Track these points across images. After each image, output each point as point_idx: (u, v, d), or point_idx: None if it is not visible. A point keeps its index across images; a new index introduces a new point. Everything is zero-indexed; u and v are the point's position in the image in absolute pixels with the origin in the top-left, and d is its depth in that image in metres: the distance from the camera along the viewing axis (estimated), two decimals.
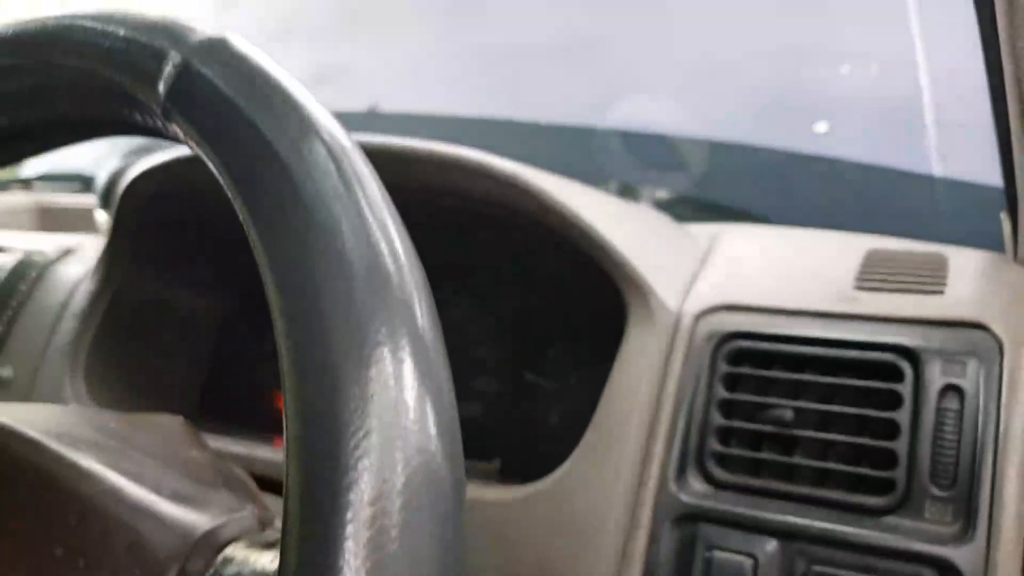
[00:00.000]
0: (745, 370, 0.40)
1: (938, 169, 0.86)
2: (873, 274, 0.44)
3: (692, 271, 0.48)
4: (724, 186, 0.88)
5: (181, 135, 0.25)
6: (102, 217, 0.67)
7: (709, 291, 0.44)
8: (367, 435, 0.17)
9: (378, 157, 0.48)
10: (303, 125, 0.21)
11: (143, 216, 0.58)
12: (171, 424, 0.38)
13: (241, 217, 0.21)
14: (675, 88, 1.00)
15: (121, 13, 0.26)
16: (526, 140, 0.93)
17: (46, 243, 0.65)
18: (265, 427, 0.63)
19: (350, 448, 0.17)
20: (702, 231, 0.59)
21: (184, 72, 0.24)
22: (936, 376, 0.38)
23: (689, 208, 0.84)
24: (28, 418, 0.29)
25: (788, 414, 0.39)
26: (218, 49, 0.24)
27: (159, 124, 0.25)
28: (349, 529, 0.16)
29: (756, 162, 0.89)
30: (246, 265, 0.66)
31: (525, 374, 0.57)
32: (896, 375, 0.38)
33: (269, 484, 0.41)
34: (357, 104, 1.08)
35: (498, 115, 0.94)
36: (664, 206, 0.81)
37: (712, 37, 1.01)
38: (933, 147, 0.89)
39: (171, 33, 0.25)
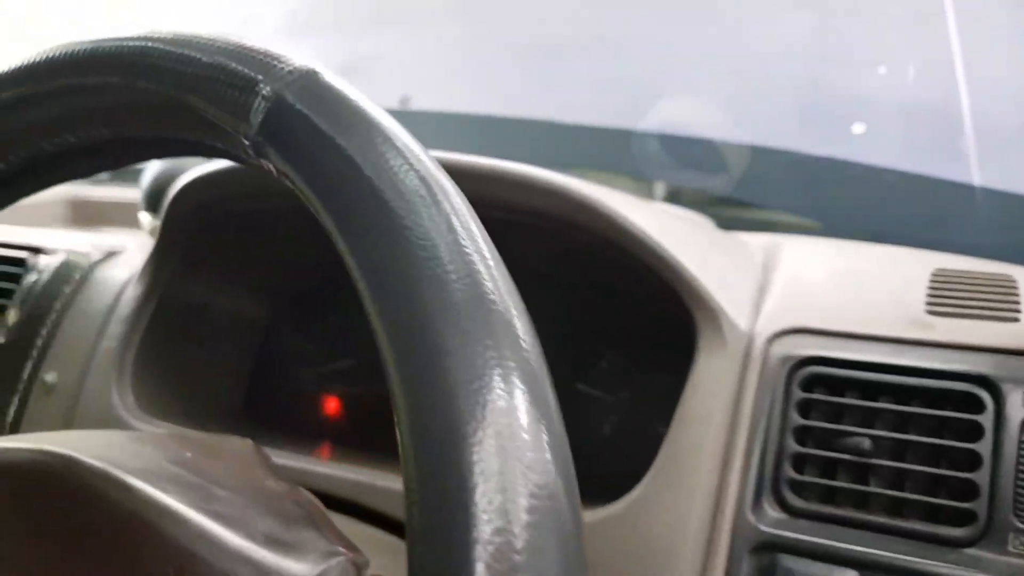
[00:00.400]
0: (818, 396, 0.39)
1: (978, 178, 0.85)
2: (944, 297, 0.43)
3: (756, 287, 0.47)
4: (761, 190, 0.86)
5: (272, 169, 0.24)
6: (146, 219, 0.67)
7: (779, 312, 0.43)
8: (488, 478, 0.16)
9: (451, 174, 0.47)
10: (401, 162, 0.21)
11: (192, 223, 0.57)
12: (243, 450, 0.37)
13: (341, 251, 0.20)
14: (709, 88, 0.98)
15: (205, 38, 0.25)
16: (560, 140, 0.92)
17: (87, 243, 0.64)
18: (309, 432, 0.63)
19: (474, 492, 0.16)
20: (754, 241, 0.58)
21: (276, 107, 0.23)
22: (1017, 407, 0.37)
23: (726, 210, 0.82)
24: (97, 450, 0.29)
25: (866, 443, 0.38)
26: (310, 82, 0.24)
27: (245, 154, 0.25)
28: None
29: (793, 166, 0.87)
30: (291, 269, 0.66)
31: (578, 385, 0.57)
32: (976, 405, 0.38)
33: (321, 499, 0.40)
34: (386, 97, 1.07)
35: (530, 115, 0.93)
36: (701, 207, 0.80)
37: (747, 37, 0.99)
38: (973, 154, 0.87)
39: (260, 64, 0.24)
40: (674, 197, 0.87)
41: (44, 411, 0.57)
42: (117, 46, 0.27)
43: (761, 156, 0.86)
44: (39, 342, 0.59)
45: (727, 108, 0.97)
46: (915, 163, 0.90)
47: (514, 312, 0.18)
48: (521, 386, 0.17)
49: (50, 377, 0.58)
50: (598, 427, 0.56)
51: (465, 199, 0.21)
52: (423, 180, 0.20)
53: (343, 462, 0.56)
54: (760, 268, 0.50)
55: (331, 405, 0.65)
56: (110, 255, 0.63)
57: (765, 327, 0.42)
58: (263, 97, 0.24)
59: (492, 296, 0.18)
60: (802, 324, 0.42)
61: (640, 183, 0.91)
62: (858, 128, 0.95)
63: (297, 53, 0.26)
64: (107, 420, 0.55)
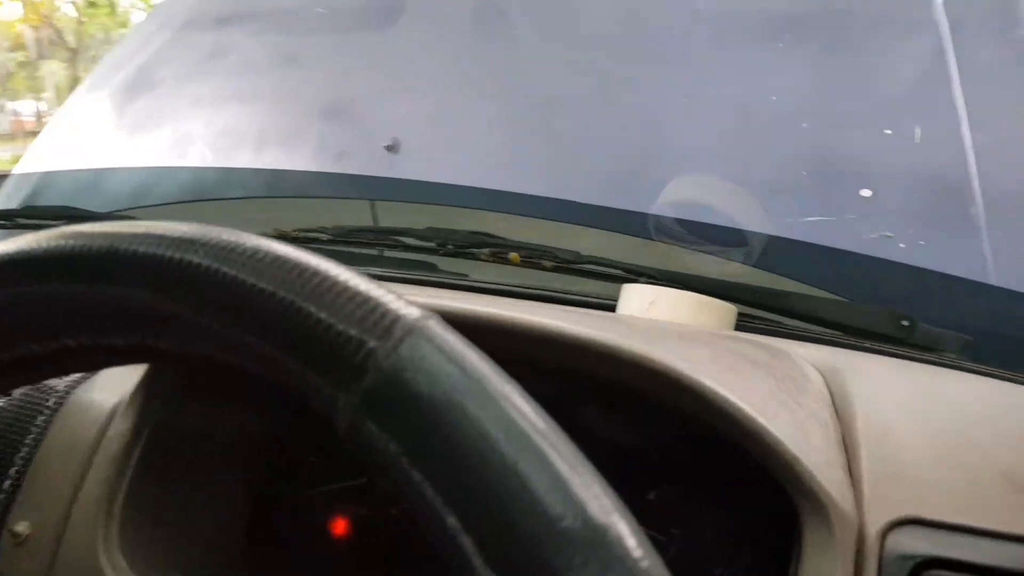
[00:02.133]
0: None
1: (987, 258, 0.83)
2: None
3: (838, 446, 0.42)
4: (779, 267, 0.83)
5: (360, 437, 0.20)
6: None
7: (883, 494, 0.39)
8: None
9: (530, 339, 0.42)
10: (509, 427, 0.19)
11: None
12: None
13: (432, 505, 0.19)
14: (712, 157, 0.95)
15: (298, 267, 0.20)
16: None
17: None
18: (320, 560, 0.57)
19: None
20: (799, 353, 0.54)
21: (385, 383, 0.19)
22: None
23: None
24: None
25: None
26: (417, 343, 0.19)
27: (331, 415, 0.20)
28: None
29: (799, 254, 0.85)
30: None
31: None
32: None
33: None
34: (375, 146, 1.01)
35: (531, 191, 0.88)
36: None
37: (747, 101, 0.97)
38: (983, 221, 0.85)
39: (368, 326, 0.20)
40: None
41: (15, 568, 0.50)
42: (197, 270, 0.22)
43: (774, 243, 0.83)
44: (6, 485, 0.51)
45: (731, 176, 0.94)
46: (924, 229, 0.88)
47: (621, 528, 0.19)
48: None
49: (21, 527, 0.50)
50: None
51: (563, 437, 0.20)
52: (526, 433, 0.19)
53: None
54: (830, 412, 0.46)
55: (342, 528, 0.59)
56: (89, 373, 0.56)
57: (874, 516, 0.38)
58: (368, 369, 0.19)
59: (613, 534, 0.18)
60: (915, 514, 0.37)
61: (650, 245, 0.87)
62: (864, 193, 0.93)
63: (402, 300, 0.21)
64: None
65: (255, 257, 0.21)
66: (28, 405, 0.53)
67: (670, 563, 0.52)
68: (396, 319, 0.20)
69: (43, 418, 0.53)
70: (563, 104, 0.92)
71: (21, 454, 0.52)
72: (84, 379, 0.55)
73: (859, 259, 0.87)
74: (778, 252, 0.84)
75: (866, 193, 0.96)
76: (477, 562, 0.18)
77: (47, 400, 0.54)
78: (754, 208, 0.90)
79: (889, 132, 1.02)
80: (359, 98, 1.04)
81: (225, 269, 0.21)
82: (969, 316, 0.80)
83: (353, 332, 0.19)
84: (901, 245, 0.89)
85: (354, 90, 1.05)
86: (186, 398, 0.53)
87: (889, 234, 0.88)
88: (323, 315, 0.20)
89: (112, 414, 0.52)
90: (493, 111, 0.94)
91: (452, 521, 0.18)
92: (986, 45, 1.02)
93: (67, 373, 0.32)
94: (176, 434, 0.53)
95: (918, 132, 0.98)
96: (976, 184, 0.89)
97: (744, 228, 0.85)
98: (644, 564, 0.18)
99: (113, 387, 0.54)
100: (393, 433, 0.19)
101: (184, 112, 1.25)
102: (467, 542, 0.18)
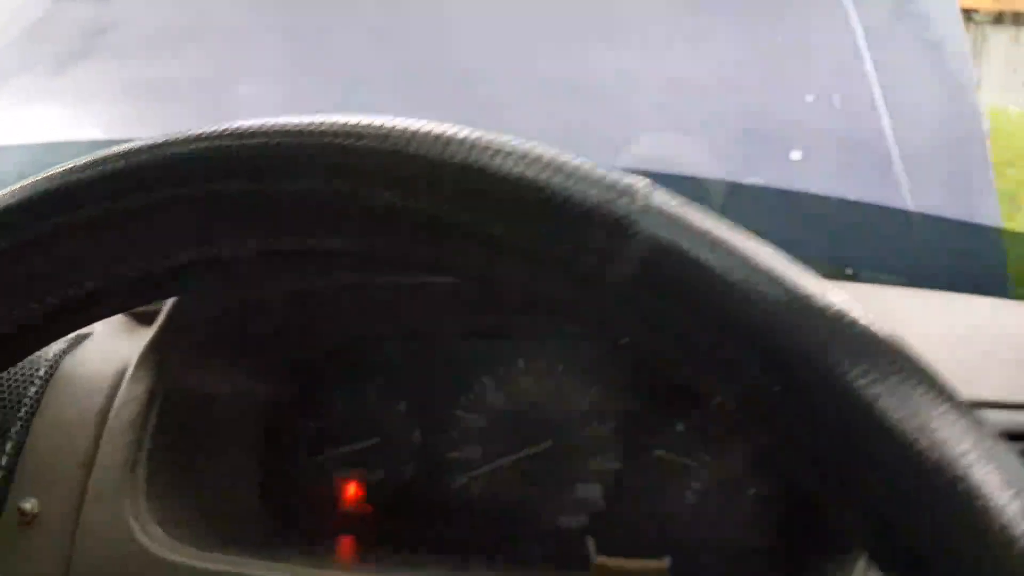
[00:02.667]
0: None
1: (908, 199, 0.90)
2: None
3: None
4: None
5: (634, 307, 0.19)
6: None
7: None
8: None
9: None
10: (771, 272, 0.19)
11: (198, 307, 0.48)
12: None
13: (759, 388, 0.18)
14: (650, 120, 0.98)
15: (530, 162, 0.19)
16: None
17: None
18: (332, 525, 0.55)
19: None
20: None
21: (648, 248, 0.19)
22: None
23: None
24: None
25: None
26: (659, 204, 0.19)
27: (593, 295, 0.20)
28: None
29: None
30: (298, 343, 0.57)
31: (655, 452, 0.54)
32: None
33: None
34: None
35: None
36: None
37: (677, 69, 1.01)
38: (901, 177, 0.93)
39: (618, 199, 0.19)
40: None
41: (27, 547, 0.45)
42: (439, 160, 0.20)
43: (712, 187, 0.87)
44: (4, 461, 0.47)
45: (669, 139, 0.98)
46: (849, 186, 0.96)
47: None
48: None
49: (29, 505, 0.45)
50: (681, 494, 0.53)
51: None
52: (780, 271, 0.19)
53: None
54: None
55: (351, 491, 0.57)
56: (77, 341, 0.52)
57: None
58: (629, 238, 0.19)
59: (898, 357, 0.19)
60: (987, 398, 0.41)
61: None
62: (794, 155, 0.99)
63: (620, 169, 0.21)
64: (123, 552, 0.44)
65: (494, 146, 0.19)
66: (17, 377, 0.48)
67: (705, 489, 0.53)
68: (630, 186, 0.19)
69: (35, 388, 0.48)
70: (479, 75, 0.93)
71: (16, 428, 0.47)
72: (70, 348, 0.51)
73: (796, 212, 0.92)
74: (721, 211, 0.88)
75: (796, 155, 1.02)
76: (765, 379, 0.18)
77: (37, 371, 0.49)
78: (697, 166, 0.94)
79: (810, 99, 1.08)
80: (229, 76, 0.99)
81: (458, 160, 0.19)
82: (905, 255, 0.86)
83: (607, 204, 0.19)
84: (833, 198, 0.95)
85: (224, 68, 0.99)
86: (196, 364, 0.50)
87: (818, 190, 0.94)
88: (579, 195, 0.19)
89: (115, 381, 0.48)
90: (415, 83, 0.93)
91: (735, 355, 0.18)
92: (889, 19, 1.12)
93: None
94: (186, 397, 0.50)
95: (836, 97, 1.06)
96: (891, 140, 0.97)
97: (695, 178, 0.89)
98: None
99: (103, 355, 0.51)
100: (667, 295, 0.19)
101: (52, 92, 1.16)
102: (757, 373, 0.18)
